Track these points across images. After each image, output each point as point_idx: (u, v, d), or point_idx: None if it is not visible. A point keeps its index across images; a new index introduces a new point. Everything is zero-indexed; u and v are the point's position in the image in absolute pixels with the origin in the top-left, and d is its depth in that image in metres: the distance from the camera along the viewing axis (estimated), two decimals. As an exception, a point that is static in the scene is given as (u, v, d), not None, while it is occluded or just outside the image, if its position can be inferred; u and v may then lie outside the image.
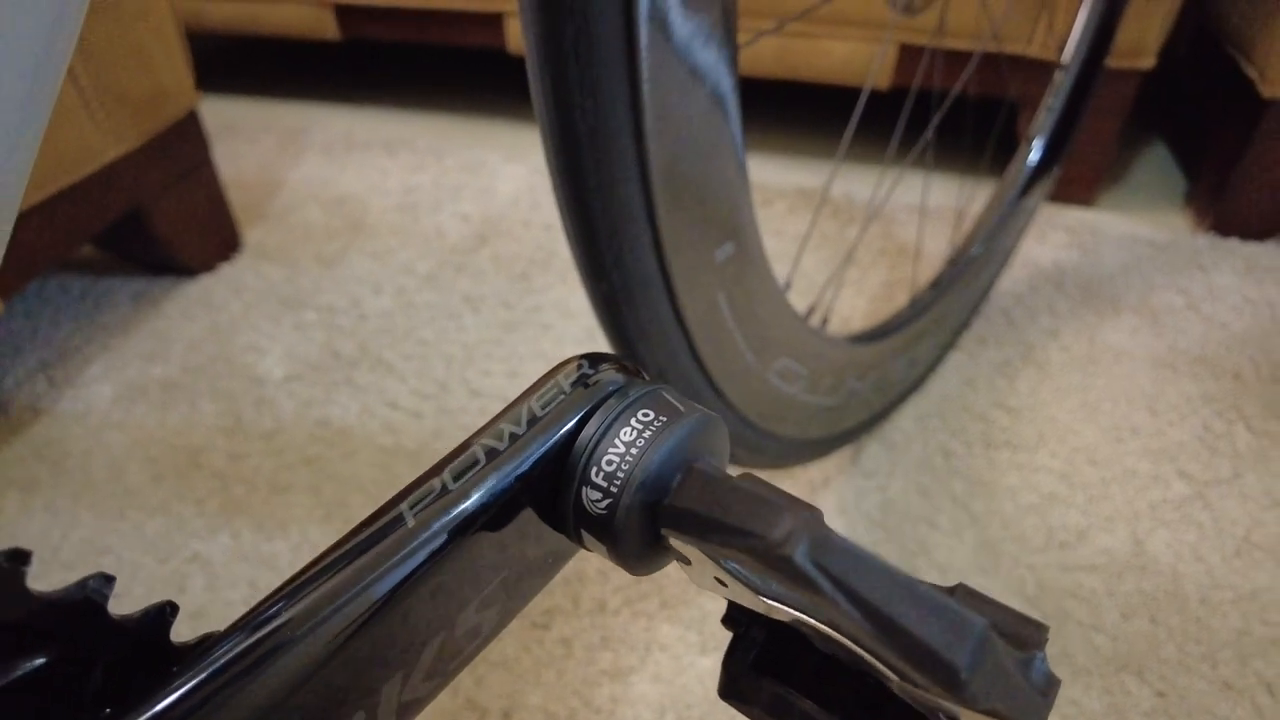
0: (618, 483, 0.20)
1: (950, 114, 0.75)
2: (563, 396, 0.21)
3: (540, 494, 0.22)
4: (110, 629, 0.17)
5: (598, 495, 0.20)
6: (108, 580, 0.17)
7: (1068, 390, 0.79)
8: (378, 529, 0.19)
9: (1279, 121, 0.91)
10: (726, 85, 0.36)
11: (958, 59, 0.94)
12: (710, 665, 0.58)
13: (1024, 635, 0.16)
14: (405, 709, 0.20)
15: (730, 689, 0.22)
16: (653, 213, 0.36)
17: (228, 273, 0.95)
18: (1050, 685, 0.15)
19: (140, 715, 0.16)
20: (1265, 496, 0.69)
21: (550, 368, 0.23)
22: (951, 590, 0.17)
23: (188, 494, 0.71)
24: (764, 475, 0.62)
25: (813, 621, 0.17)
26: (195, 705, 0.17)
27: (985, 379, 0.80)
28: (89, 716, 0.17)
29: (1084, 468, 0.72)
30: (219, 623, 0.50)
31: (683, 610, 0.61)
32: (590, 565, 0.64)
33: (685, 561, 0.21)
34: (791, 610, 0.18)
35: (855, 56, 1.00)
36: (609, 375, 0.22)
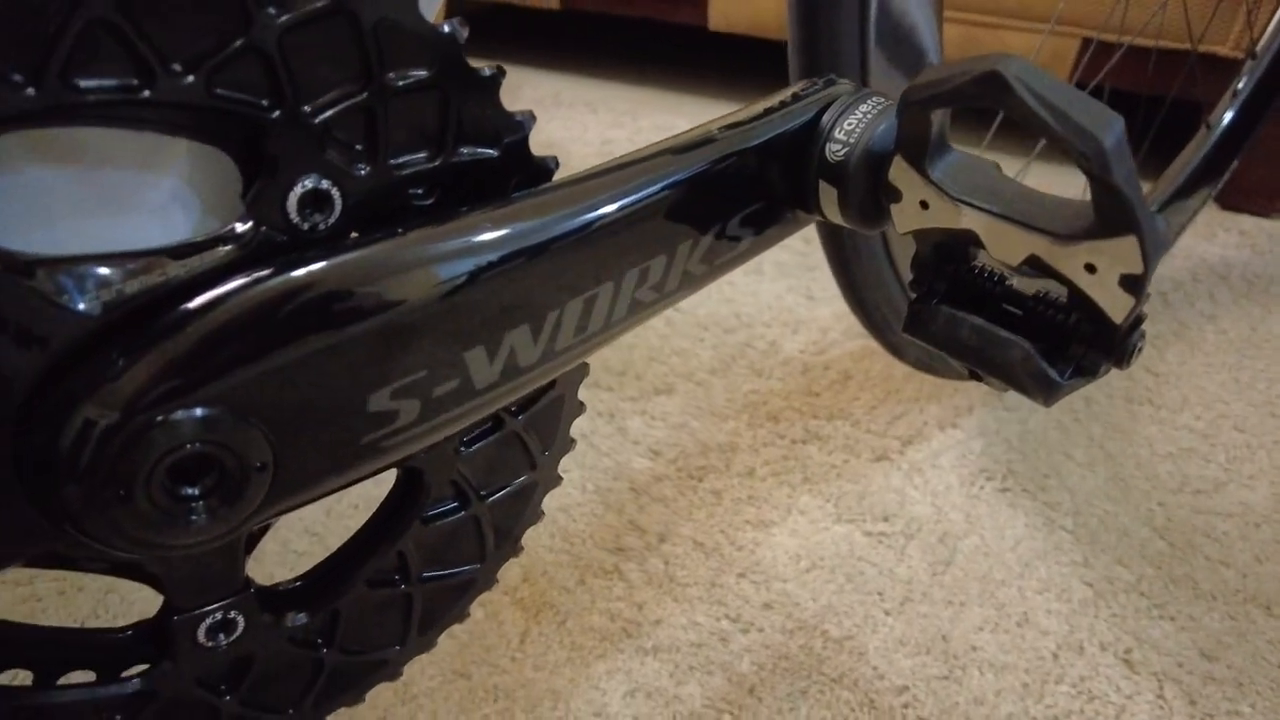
0: (854, 135, 0.28)
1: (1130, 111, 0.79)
2: (815, 89, 0.30)
3: (785, 159, 0.30)
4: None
5: (838, 146, 0.29)
6: (532, 115, 0.27)
7: (1219, 367, 0.81)
8: (666, 146, 0.28)
9: None
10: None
11: (1141, 55, 0.97)
12: (844, 532, 0.64)
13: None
14: (635, 305, 0.29)
15: (912, 321, 0.29)
16: None
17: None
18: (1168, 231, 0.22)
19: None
20: None
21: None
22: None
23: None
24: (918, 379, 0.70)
25: (989, 218, 0.24)
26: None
27: (1137, 346, 0.82)
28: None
29: (1229, 432, 0.74)
30: (271, 562, 0.60)
31: (823, 485, 0.68)
32: (742, 439, 0.71)
33: (896, 199, 0.29)
34: (975, 206, 0.25)
35: (1031, 48, 1.05)
36: (844, 85, 0.31)
